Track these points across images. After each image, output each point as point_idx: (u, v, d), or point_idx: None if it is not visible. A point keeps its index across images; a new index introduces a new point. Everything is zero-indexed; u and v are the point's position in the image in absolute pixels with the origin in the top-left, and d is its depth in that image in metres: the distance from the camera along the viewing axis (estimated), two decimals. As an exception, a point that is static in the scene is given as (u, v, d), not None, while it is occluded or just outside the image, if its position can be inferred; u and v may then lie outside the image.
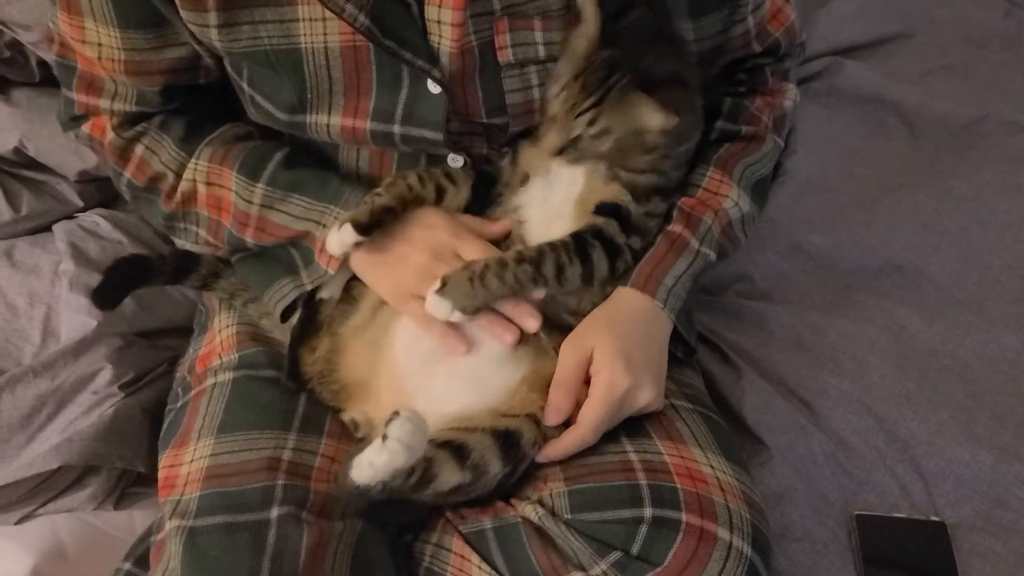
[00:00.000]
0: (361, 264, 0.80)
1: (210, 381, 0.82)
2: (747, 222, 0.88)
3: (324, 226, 0.79)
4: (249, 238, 0.82)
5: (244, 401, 0.79)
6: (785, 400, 0.96)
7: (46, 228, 1.17)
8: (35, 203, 1.16)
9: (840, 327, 1.02)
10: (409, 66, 0.75)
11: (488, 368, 0.78)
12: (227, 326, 0.88)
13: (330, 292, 0.83)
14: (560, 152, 0.78)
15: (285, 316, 0.83)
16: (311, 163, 0.84)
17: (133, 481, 0.94)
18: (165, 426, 0.85)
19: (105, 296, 0.88)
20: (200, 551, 0.69)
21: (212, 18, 0.74)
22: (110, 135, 0.84)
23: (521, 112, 0.79)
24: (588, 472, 0.75)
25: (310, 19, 0.73)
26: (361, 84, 0.76)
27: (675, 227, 0.82)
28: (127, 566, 0.82)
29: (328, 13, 0.72)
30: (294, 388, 0.82)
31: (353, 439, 0.80)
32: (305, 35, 0.74)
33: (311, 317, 0.83)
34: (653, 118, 0.73)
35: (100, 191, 1.21)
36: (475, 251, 0.77)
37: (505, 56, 0.76)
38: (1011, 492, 0.88)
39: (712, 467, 0.74)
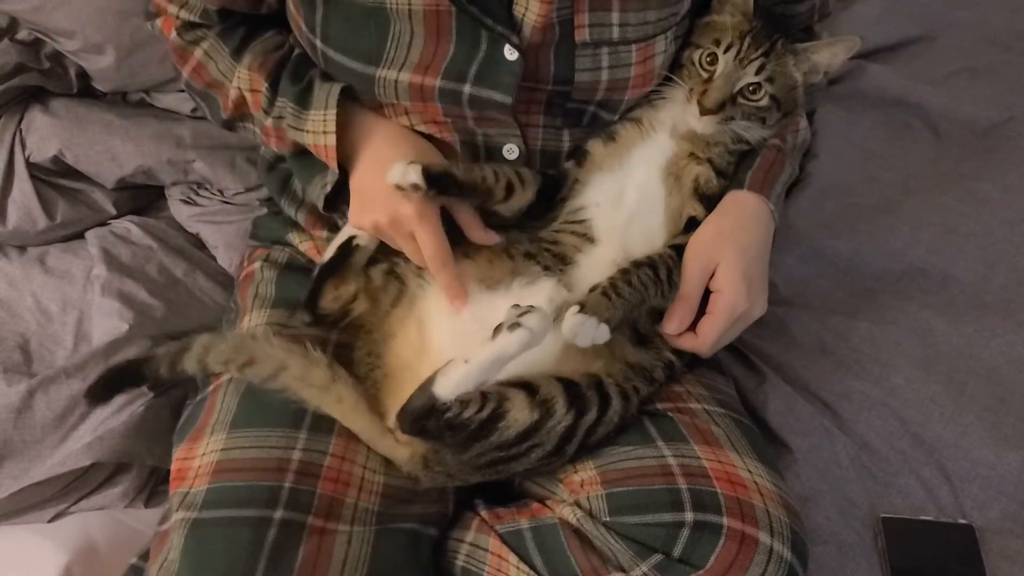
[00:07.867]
0: (352, 186, 0.84)
1: (227, 376, 0.83)
2: (804, 147, 0.95)
3: (304, 131, 0.82)
4: (274, 147, 0.88)
5: (257, 397, 0.79)
6: (809, 403, 0.95)
7: (78, 235, 1.20)
8: (69, 211, 1.19)
9: (863, 330, 1.01)
10: (489, 31, 0.77)
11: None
12: (256, 325, 0.89)
13: (365, 241, 0.86)
14: (717, 110, 0.81)
15: (328, 207, 0.86)
16: (311, 69, 0.86)
17: (163, 479, 0.95)
18: (182, 420, 0.86)
19: (98, 394, 0.91)
20: (201, 543, 0.70)
21: None
22: (172, 34, 0.90)
23: (586, 88, 0.82)
24: (626, 476, 0.75)
25: None
26: (440, 44, 0.78)
27: (776, 139, 0.89)
28: (133, 560, 0.83)
29: None
30: (308, 320, 0.85)
31: (360, 441, 0.80)
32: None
33: (345, 256, 0.85)
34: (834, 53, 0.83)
35: (133, 199, 1.24)
36: (427, 243, 0.78)
37: (582, 35, 0.79)
38: (1039, 494, 0.87)
39: (750, 471, 0.75)
